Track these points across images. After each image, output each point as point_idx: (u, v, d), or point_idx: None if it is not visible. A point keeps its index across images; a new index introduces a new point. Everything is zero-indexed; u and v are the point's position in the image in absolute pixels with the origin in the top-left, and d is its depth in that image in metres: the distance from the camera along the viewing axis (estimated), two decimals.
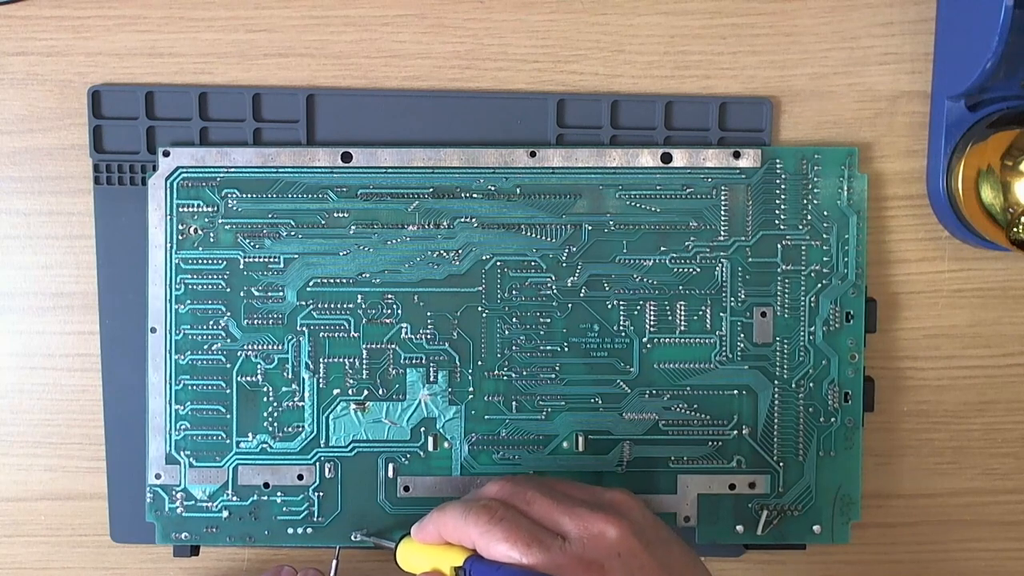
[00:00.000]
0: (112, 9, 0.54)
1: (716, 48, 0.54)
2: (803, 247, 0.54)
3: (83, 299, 0.55)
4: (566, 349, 0.54)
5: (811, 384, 0.54)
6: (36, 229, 0.55)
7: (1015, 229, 0.50)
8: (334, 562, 0.54)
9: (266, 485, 0.54)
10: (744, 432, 0.54)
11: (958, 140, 0.53)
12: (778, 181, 0.54)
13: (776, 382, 0.54)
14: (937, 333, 0.56)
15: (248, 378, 0.54)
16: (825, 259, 0.54)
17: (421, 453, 0.54)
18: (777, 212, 0.54)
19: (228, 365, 0.54)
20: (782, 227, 0.54)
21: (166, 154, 0.53)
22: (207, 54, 0.54)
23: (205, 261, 0.54)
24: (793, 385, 0.54)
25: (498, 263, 0.54)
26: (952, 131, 0.53)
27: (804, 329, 0.54)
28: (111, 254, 0.55)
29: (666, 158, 0.54)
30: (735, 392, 0.54)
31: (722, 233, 0.54)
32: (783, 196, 0.54)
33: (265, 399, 0.54)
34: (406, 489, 0.54)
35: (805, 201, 0.54)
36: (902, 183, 0.55)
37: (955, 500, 0.57)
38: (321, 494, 0.54)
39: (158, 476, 0.54)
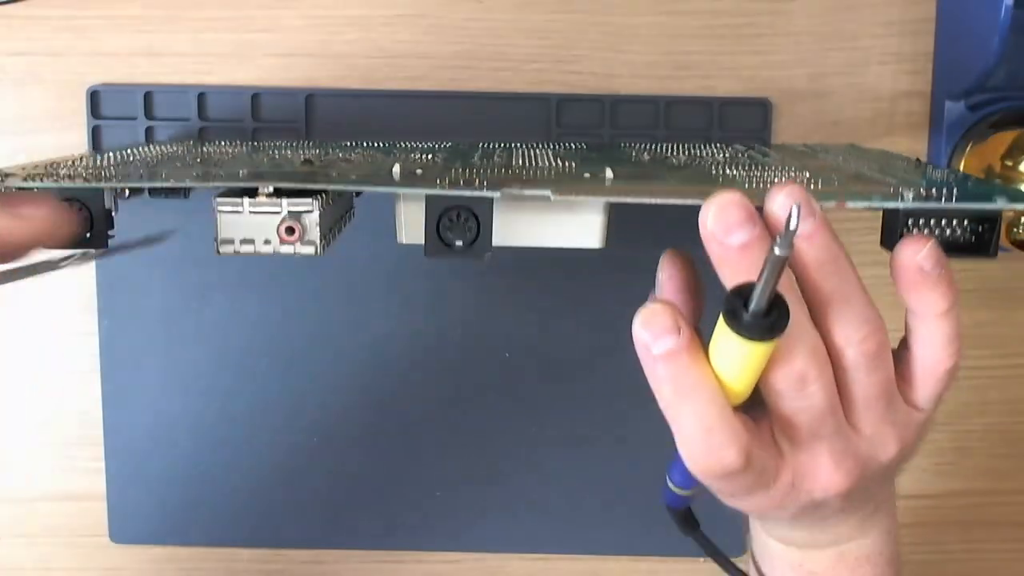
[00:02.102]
0: (112, 9, 0.54)
1: (716, 48, 0.54)
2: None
3: (82, 299, 0.55)
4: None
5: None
6: None
7: (1015, 229, 0.50)
8: None
9: None
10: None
11: (958, 140, 0.53)
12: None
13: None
14: None
15: None
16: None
17: None
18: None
19: None
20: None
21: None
22: (207, 54, 0.54)
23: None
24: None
25: (503, 150, 0.46)
26: (952, 131, 0.53)
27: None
28: (110, 254, 0.54)
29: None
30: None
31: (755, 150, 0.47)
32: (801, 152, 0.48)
33: None
34: None
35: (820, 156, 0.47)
36: None
37: (956, 501, 0.57)
38: None
39: None
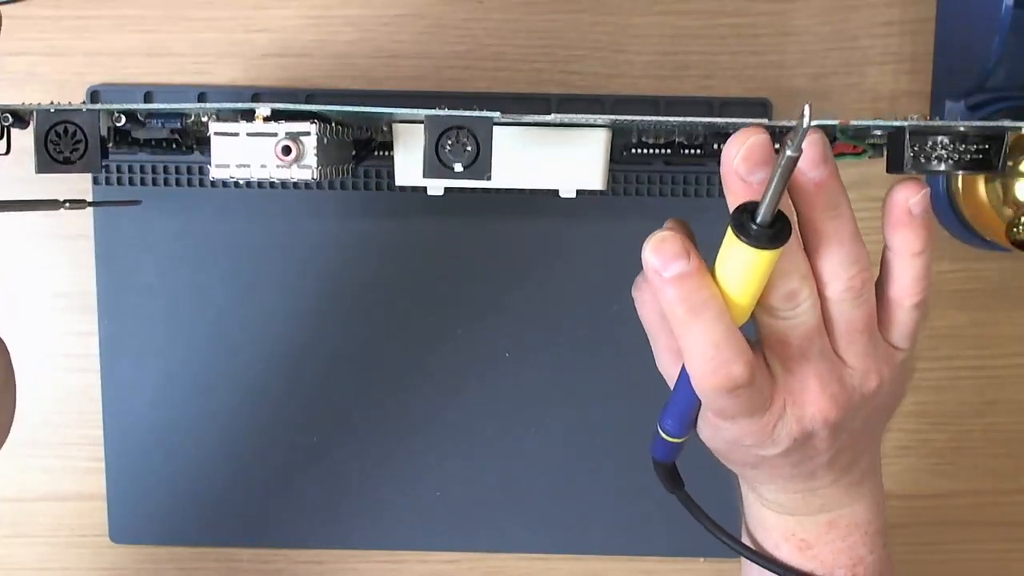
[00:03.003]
0: (112, 9, 0.54)
1: (716, 48, 0.54)
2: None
3: (82, 299, 0.55)
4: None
5: None
6: (35, 229, 0.55)
7: (1015, 229, 0.50)
8: None
9: None
10: None
11: None
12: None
13: None
14: (937, 333, 0.56)
15: None
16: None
17: None
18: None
19: None
20: None
21: None
22: (206, 54, 0.54)
23: None
24: None
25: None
26: None
27: None
28: (110, 254, 0.54)
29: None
30: None
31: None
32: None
33: None
34: None
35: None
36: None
37: (955, 501, 0.57)
38: None
39: None
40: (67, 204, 0.40)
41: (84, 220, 0.55)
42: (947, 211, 0.54)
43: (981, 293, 0.56)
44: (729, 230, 0.32)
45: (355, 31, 0.54)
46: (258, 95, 0.54)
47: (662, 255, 0.33)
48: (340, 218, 0.54)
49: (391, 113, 0.36)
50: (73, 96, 0.54)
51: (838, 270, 0.34)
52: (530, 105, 0.54)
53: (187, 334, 0.55)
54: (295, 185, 0.54)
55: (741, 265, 0.33)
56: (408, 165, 0.38)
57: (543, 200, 0.53)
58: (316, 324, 0.55)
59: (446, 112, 0.34)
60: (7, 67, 0.54)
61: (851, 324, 0.35)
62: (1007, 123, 0.35)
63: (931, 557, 0.57)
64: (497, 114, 0.34)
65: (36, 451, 0.56)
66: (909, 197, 0.35)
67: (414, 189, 0.42)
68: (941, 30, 0.54)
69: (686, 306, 0.33)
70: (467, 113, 0.34)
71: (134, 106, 0.37)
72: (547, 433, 0.56)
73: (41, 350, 0.56)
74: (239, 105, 0.35)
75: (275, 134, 0.34)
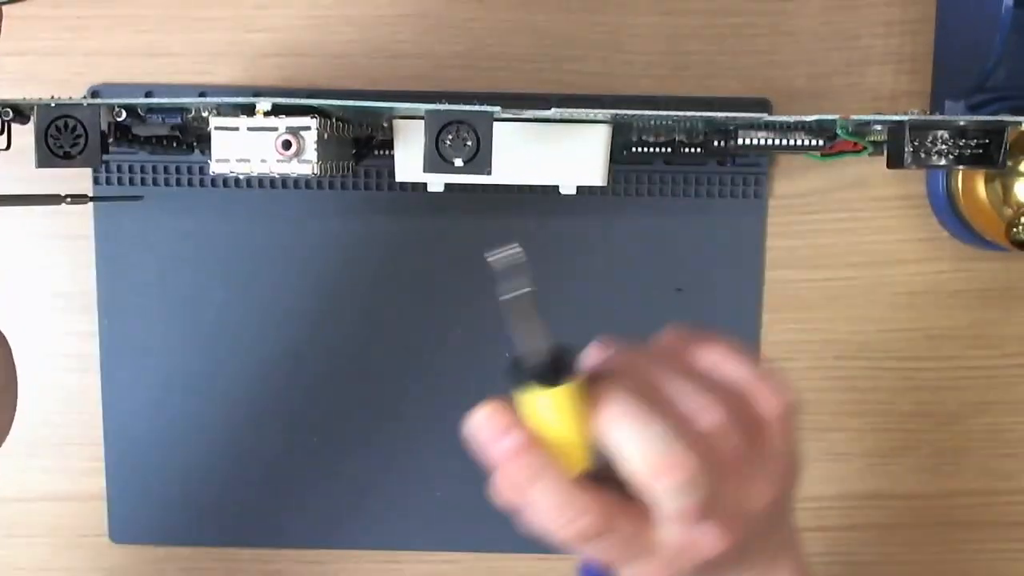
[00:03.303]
0: (111, 9, 0.54)
1: (716, 48, 0.54)
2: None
3: (82, 299, 0.55)
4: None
5: None
6: (35, 229, 0.55)
7: (1015, 229, 0.50)
8: None
9: None
10: None
11: None
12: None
13: None
14: (937, 333, 0.56)
15: None
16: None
17: None
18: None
19: None
20: None
21: None
22: (207, 54, 0.54)
23: None
24: None
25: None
26: None
27: None
28: (110, 254, 0.54)
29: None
30: None
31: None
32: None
33: None
34: None
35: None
36: (902, 183, 0.55)
37: (955, 501, 0.57)
38: None
39: None
40: (68, 199, 0.40)
41: (84, 220, 0.55)
42: (947, 211, 0.54)
43: (981, 293, 0.56)
44: (524, 390, 0.33)
45: (355, 31, 0.54)
46: (258, 95, 0.54)
47: (490, 430, 0.35)
48: (340, 218, 0.54)
49: (391, 108, 0.36)
50: (73, 95, 0.54)
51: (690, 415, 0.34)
52: (530, 104, 0.54)
53: (187, 334, 0.55)
54: (295, 184, 0.54)
55: (550, 414, 0.33)
56: (408, 161, 0.39)
57: (543, 198, 0.53)
58: (316, 324, 0.55)
59: (446, 107, 0.34)
60: (7, 67, 0.54)
61: (726, 458, 0.34)
62: (1007, 117, 0.36)
63: (931, 557, 0.57)
64: (497, 109, 0.35)
65: (36, 451, 0.56)
66: (674, 332, 0.36)
67: (414, 187, 0.42)
68: (941, 30, 0.54)
69: (522, 475, 0.34)
70: (468, 108, 0.34)
71: (134, 100, 0.37)
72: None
73: (41, 350, 0.56)
74: (240, 100, 0.35)
75: (275, 128, 0.34)
